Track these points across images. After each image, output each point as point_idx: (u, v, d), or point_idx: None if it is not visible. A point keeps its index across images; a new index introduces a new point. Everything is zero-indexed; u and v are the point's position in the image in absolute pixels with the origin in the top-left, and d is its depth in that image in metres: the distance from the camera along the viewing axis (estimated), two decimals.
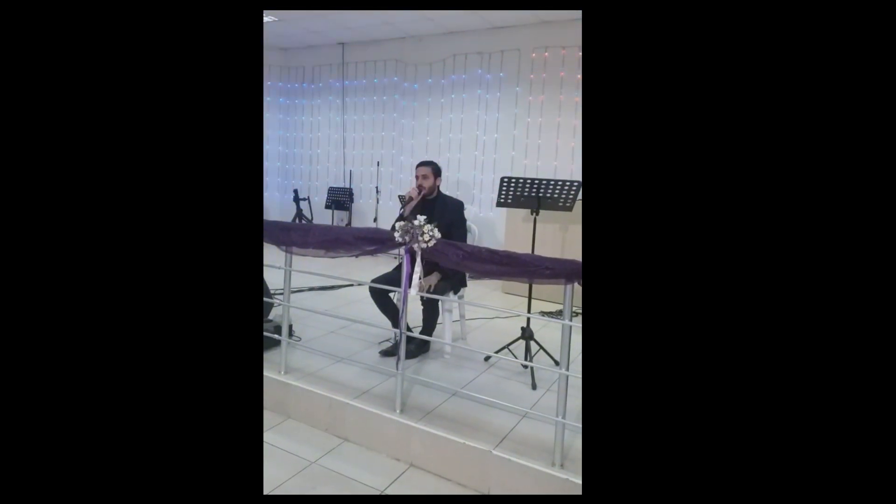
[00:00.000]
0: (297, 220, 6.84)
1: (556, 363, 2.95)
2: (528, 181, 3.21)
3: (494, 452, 2.15)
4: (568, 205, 3.21)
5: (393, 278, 3.04)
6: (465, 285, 3.36)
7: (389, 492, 2.13)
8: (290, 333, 3.01)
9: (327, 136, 7.30)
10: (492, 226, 5.84)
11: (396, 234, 2.38)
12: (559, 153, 5.59)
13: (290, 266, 2.81)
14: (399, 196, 5.94)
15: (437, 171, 3.25)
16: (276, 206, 7.66)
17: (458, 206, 3.25)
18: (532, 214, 3.21)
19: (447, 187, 5.67)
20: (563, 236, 4.56)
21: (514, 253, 2.15)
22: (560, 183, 3.18)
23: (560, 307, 4.40)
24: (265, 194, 7.62)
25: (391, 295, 3.10)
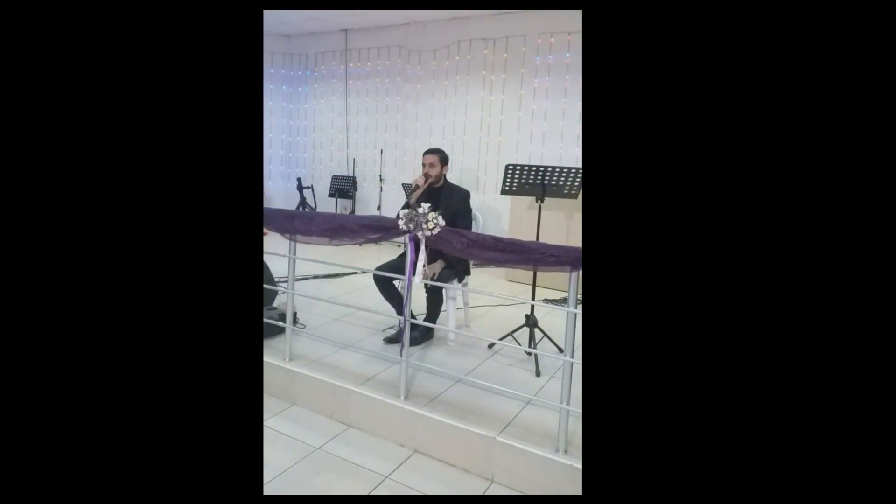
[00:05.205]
0: (300, 209, 6.84)
1: (560, 350, 2.96)
2: (533, 168, 3.19)
3: (499, 438, 2.16)
4: (573, 192, 3.19)
5: (397, 266, 3.04)
6: (468, 273, 3.36)
7: (394, 477, 2.15)
8: (295, 321, 3.02)
9: (331, 123, 7.27)
10: (496, 214, 5.84)
11: (401, 222, 2.38)
12: (564, 139, 5.56)
13: (294, 254, 2.82)
14: (403, 185, 5.94)
15: (444, 159, 3.24)
16: (279, 195, 7.65)
17: (464, 196, 3.24)
18: (537, 202, 3.20)
19: (451, 175, 5.65)
20: (567, 224, 4.55)
21: (519, 240, 2.14)
22: (565, 170, 3.16)
23: (564, 295, 4.39)
24: (268, 182, 7.62)
25: (395, 282, 3.11)
